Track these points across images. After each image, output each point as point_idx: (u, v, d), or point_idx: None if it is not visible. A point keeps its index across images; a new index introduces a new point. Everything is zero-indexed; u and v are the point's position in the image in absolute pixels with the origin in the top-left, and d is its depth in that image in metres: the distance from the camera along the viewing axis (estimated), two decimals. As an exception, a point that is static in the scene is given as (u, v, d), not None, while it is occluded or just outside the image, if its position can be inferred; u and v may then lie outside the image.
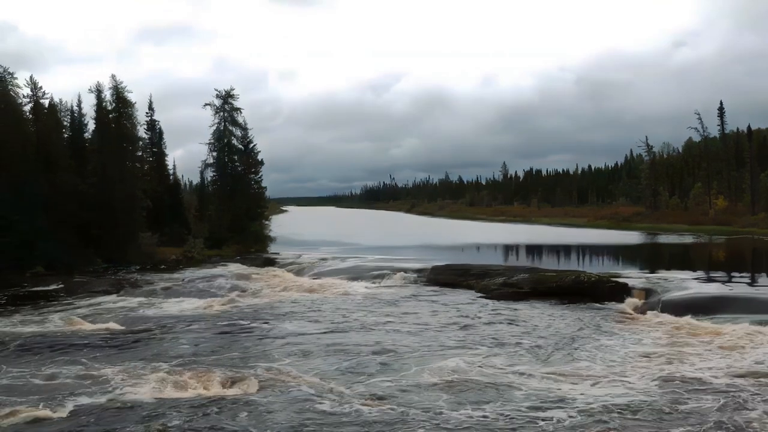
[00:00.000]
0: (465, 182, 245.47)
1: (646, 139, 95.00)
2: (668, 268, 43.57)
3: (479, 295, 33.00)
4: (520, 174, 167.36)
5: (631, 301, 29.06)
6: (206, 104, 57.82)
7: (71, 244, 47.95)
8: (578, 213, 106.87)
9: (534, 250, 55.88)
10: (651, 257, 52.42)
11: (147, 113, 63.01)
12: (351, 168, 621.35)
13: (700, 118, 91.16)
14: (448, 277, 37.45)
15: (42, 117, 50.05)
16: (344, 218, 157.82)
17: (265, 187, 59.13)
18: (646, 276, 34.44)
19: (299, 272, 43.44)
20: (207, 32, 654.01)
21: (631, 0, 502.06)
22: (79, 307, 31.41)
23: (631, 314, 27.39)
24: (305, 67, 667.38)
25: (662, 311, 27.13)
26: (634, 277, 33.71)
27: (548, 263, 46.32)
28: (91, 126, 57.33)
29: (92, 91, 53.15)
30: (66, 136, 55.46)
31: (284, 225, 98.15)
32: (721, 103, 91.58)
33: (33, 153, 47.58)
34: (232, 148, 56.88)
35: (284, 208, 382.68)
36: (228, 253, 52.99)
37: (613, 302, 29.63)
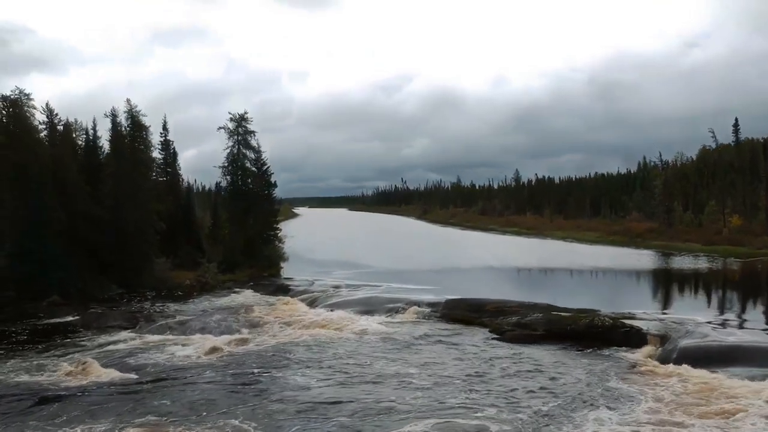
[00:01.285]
0: (477, 186, 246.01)
1: (660, 155, 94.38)
2: (683, 300, 43.46)
3: (493, 336, 32.91)
4: (532, 174, 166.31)
5: (646, 351, 28.84)
6: (220, 128, 58.17)
7: (86, 270, 48.36)
8: (591, 226, 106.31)
9: (547, 276, 55.63)
10: (665, 286, 52.03)
11: (161, 133, 63.45)
12: (362, 168, 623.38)
13: (713, 135, 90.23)
14: (462, 313, 37.42)
15: (57, 142, 50.31)
16: (356, 226, 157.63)
17: (279, 203, 59.00)
18: (661, 317, 34.15)
19: (312, 302, 43.45)
20: (219, 34, 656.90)
21: (641, 1, 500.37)
22: (92, 348, 31.63)
23: (645, 365, 27.19)
24: (316, 67, 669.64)
25: (678, 362, 26.93)
26: (649, 318, 33.44)
27: (562, 293, 46.06)
28: (105, 143, 58.15)
29: (107, 116, 53.52)
30: (81, 157, 55.90)
31: (297, 235, 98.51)
32: (737, 119, 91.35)
33: (49, 178, 47.88)
34: (246, 171, 57.04)
35: (296, 210, 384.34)
36: (241, 277, 53.17)
37: (628, 348, 29.48)
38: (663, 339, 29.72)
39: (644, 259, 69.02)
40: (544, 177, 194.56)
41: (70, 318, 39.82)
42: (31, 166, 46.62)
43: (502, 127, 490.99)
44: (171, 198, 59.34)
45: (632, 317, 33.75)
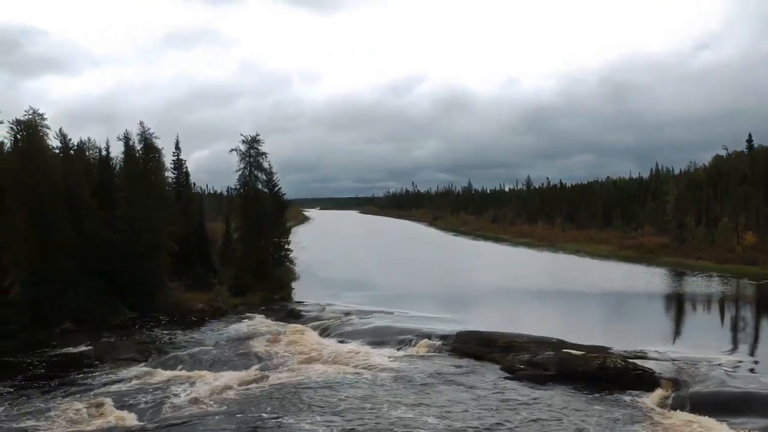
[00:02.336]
0: (488, 191, 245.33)
1: (672, 169, 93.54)
2: (697, 333, 43.18)
3: (504, 375, 32.87)
4: (543, 176, 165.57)
5: (658, 396, 28.73)
6: (232, 150, 58.31)
7: (99, 294, 48.62)
8: (603, 238, 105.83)
9: (559, 301, 55.39)
10: (677, 314, 51.77)
11: (174, 153, 63.82)
12: (373, 169, 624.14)
13: (726, 149, 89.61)
14: (473, 347, 37.41)
15: (71, 167, 50.61)
16: (367, 234, 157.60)
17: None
18: (674, 355, 33.85)
19: (324, 331, 43.57)
20: (231, 36, 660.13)
21: (652, 3, 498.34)
22: (105, 385, 31.86)
23: (657, 412, 27.10)
24: (327, 69, 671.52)
25: (690, 410, 26.85)
26: (661, 358, 33.19)
27: (573, 322, 45.96)
28: (119, 158, 58.41)
29: (120, 139, 53.82)
30: (94, 176, 56.21)
31: (307, 245, 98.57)
32: (750, 135, 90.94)
33: (62, 202, 48.20)
34: (258, 193, 57.18)
35: (307, 212, 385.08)
36: (253, 300, 53.31)
37: (640, 392, 29.38)
38: (675, 383, 29.59)
39: (656, 279, 68.53)
40: (555, 183, 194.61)
41: (83, 347, 40.05)
42: (45, 190, 47.01)
43: (512, 129, 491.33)
44: (184, 218, 59.48)
45: (644, 356, 33.60)
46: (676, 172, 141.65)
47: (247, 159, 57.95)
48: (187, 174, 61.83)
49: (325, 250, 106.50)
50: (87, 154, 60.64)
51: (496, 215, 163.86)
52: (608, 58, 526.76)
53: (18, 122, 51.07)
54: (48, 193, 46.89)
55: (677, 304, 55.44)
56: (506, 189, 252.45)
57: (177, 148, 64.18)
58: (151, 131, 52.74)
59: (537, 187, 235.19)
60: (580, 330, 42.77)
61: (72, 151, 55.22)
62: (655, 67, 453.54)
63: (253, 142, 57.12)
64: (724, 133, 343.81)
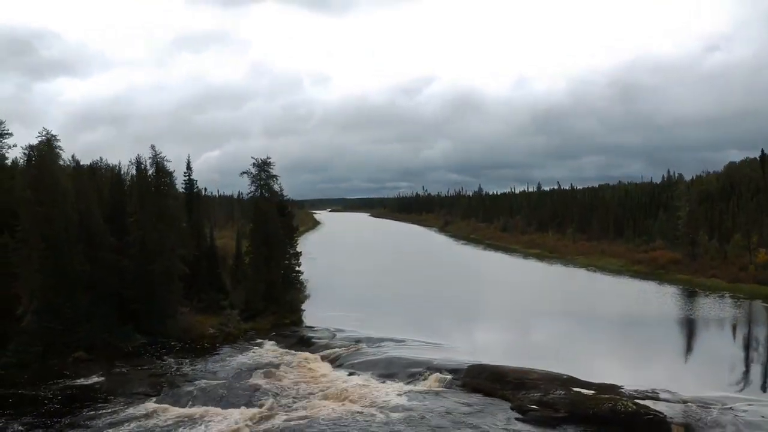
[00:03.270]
0: (499, 193, 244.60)
1: (683, 176, 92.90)
2: (708, 366, 42.89)
3: (515, 416, 32.80)
4: (554, 176, 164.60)
5: (669, 444, 28.63)
6: (243, 173, 58.52)
7: (111, 321, 48.94)
8: (614, 251, 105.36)
9: (570, 327, 55.10)
10: (688, 344, 51.52)
11: (185, 173, 64.10)
12: (383, 169, 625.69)
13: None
14: (484, 382, 37.36)
15: (84, 193, 50.89)
16: (377, 242, 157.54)
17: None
18: (686, 397, 33.60)
19: (334, 360, 43.65)
20: (243, 39, 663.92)
21: (662, 5, 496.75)
22: (113, 425, 31.99)
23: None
24: (338, 71, 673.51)
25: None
26: (673, 400, 33.02)
27: (584, 353, 45.80)
28: (131, 172, 58.60)
29: (132, 164, 54.16)
30: (106, 198, 56.52)
31: (317, 256, 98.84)
32: (763, 151, 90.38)
33: (75, 230, 48.50)
34: (267, 214, 57.22)
35: (317, 215, 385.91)
36: (263, 325, 53.45)
37: (651, 438, 29.30)
38: (687, 428, 29.49)
39: (668, 300, 68.02)
40: (566, 187, 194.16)
41: (95, 378, 40.36)
42: (58, 219, 47.33)
43: (522, 129, 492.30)
44: (194, 240, 59.66)
45: (656, 397, 33.48)
46: (688, 176, 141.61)
47: (258, 182, 58.08)
48: (198, 195, 61.69)
49: (335, 262, 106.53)
50: (101, 171, 61.34)
51: (507, 224, 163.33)
52: (618, 60, 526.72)
53: (31, 147, 51.73)
54: (61, 222, 47.24)
55: (688, 330, 55.05)
56: (517, 191, 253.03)
57: (188, 168, 64.48)
58: (162, 155, 52.95)
59: (548, 189, 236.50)
60: (593, 361, 42.77)
61: (84, 174, 55.60)
62: (665, 68, 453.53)
63: (263, 166, 57.23)
64: (735, 134, 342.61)
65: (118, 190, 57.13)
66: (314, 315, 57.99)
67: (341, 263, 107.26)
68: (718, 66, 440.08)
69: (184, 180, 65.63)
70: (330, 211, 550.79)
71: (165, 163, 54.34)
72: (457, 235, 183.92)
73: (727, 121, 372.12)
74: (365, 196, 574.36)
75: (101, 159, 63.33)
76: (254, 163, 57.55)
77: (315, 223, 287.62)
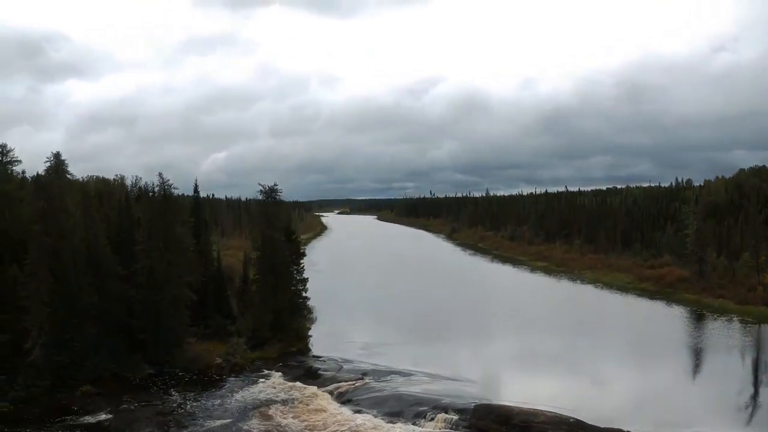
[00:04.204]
0: (506, 195, 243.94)
1: (692, 182, 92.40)
2: (719, 403, 42.69)
3: (520, 463, 32.80)
4: (561, 175, 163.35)
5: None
6: (249, 200, 58.63)
7: (119, 351, 49.21)
8: (622, 266, 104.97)
9: (579, 354, 54.99)
10: (697, 375, 51.33)
11: (192, 196, 64.28)
12: (390, 170, 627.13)
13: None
14: (490, 425, 37.37)
15: (92, 223, 51.13)
16: (385, 251, 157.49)
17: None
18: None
19: (340, 396, 43.73)
20: (250, 41, 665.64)
21: (668, 5, 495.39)
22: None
23: None
24: (345, 72, 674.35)
25: None
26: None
27: (596, 389, 45.61)
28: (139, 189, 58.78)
29: (140, 188, 54.34)
30: (114, 222, 56.78)
31: (324, 268, 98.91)
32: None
33: (83, 262, 48.76)
34: (274, 243, 57.31)
35: (324, 218, 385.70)
36: (270, 354, 53.54)
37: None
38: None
39: (676, 324, 67.77)
40: (574, 190, 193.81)
41: (102, 416, 40.62)
42: (66, 251, 47.60)
43: (529, 130, 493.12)
44: (202, 265, 59.84)
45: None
46: (696, 179, 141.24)
47: (265, 206, 58.22)
48: (206, 222, 61.90)
49: (343, 275, 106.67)
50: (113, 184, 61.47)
51: (514, 233, 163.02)
52: (624, 60, 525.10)
53: (39, 176, 52.14)
54: (69, 254, 47.50)
55: (696, 359, 54.92)
56: (525, 193, 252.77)
57: (196, 191, 64.71)
58: (170, 182, 53.10)
59: (556, 191, 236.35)
60: (602, 399, 42.75)
61: (91, 200, 55.80)
62: (672, 68, 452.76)
63: (271, 192, 57.35)
64: (742, 134, 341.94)
65: (125, 217, 57.31)
66: (320, 342, 57.99)
67: (349, 276, 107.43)
68: (725, 66, 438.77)
69: (192, 202, 66.03)
70: (337, 213, 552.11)
71: (173, 190, 54.71)
72: (464, 244, 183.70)
73: (734, 122, 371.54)
74: (372, 197, 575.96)
75: (117, 176, 63.49)
76: (261, 190, 57.66)
77: (322, 228, 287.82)
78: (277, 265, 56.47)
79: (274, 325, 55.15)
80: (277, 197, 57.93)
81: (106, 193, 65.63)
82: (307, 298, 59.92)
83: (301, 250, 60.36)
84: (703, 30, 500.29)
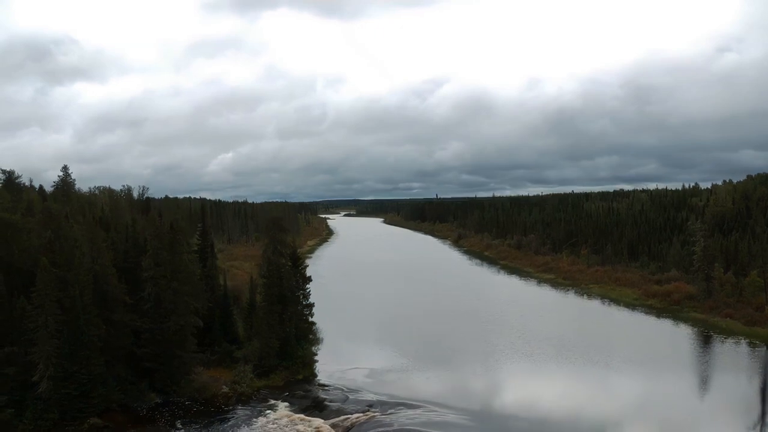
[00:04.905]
0: (513, 196, 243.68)
1: (705, 194, 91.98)
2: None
3: None
4: (567, 176, 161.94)
5: None
6: (256, 234, 58.80)
7: (125, 381, 49.46)
8: (628, 279, 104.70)
9: (589, 385, 54.90)
10: (703, 398, 51.26)
11: (198, 225, 64.49)
12: (396, 170, 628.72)
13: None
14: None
15: (99, 253, 51.37)
16: (392, 262, 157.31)
17: (312, 306, 59.55)
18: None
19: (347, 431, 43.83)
20: (257, 44, 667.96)
21: (673, 6, 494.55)
22: None
23: None
24: (352, 74, 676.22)
25: None
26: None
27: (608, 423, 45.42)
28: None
29: (147, 222, 54.55)
30: (120, 250, 57.02)
31: (328, 281, 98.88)
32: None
33: (90, 294, 48.94)
34: (281, 270, 57.44)
35: (330, 220, 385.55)
36: (276, 381, 53.77)
37: None
38: None
39: (684, 345, 67.63)
40: (580, 192, 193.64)
41: (110, 452, 40.77)
42: (73, 283, 47.80)
43: (535, 130, 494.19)
44: (208, 291, 60.03)
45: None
46: (703, 181, 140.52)
47: (271, 233, 58.42)
48: (212, 246, 62.15)
49: (349, 288, 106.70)
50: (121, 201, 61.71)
51: (521, 242, 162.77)
52: (630, 61, 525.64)
53: (46, 212, 52.46)
54: (77, 286, 47.69)
55: (703, 388, 54.70)
56: (531, 194, 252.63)
57: (203, 217, 64.86)
58: (176, 218, 53.25)
59: (563, 193, 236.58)
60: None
61: (98, 227, 56.10)
62: (677, 69, 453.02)
63: (278, 221, 57.58)
64: (748, 134, 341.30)
65: (132, 243, 57.55)
66: (326, 368, 58.09)
67: (355, 290, 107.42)
68: (730, 67, 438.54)
69: (199, 226, 66.29)
70: (344, 215, 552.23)
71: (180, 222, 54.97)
72: (471, 252, 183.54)
73: (740, 122, 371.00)
74: (379, 198, 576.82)
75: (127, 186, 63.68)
76: (267, 219, 57.81)
77: (328, 233, 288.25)
78: (284, 291, 56.59)
79: (281, 353, 55.29)
80: (282, 224, 58.09)
81: (114, 210, 65.81)
82: (313, 323, 60.03)
83: (308, 275, 60.28)
84: (708, 30, 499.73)
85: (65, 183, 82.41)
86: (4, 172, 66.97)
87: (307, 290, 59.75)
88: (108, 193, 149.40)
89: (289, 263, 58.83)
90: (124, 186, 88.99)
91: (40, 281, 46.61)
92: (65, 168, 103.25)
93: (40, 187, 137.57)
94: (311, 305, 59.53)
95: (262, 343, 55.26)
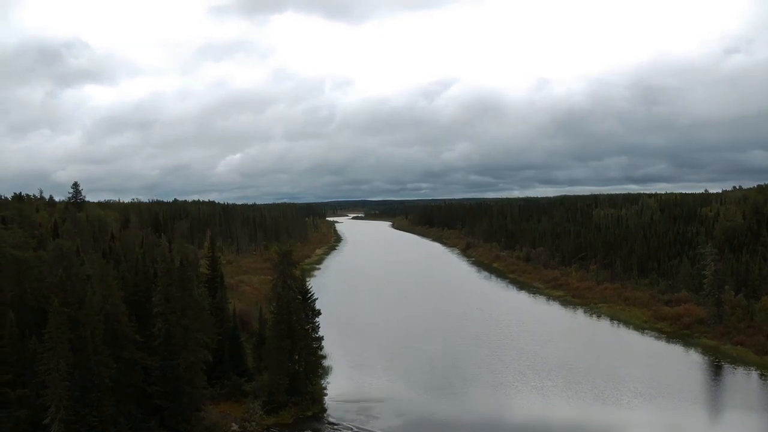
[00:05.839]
0: (522, 197, 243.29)
1: (711, 241, 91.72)
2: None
3: None
4: (577, 175, 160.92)
5: None
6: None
7: (137, 419, 49.61)
8: (638, 298, 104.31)
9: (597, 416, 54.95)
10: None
11: (208, 254, 64.63)
12: (404, 170, 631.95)
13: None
14: None
15: (109, 292, 51.50)
16: (401, 275, 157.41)
17: (322, 338, 59.57)
18: None
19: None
20: (265, 47, 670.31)
21: (682, 7, 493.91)
22: None
23: None
24: (359, 75, 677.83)
25: None
26: None
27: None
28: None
29: (158, 255, 54.70)
30: (129, 285, 57.17)
31: (334, 295, 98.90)
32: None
33: (101, 334, 49.09)
34: (290, 303, 57.50)
35: (339, 224, 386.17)
36: (286, 419, 53.91)
37: None
38: None
39: (694, 377, 67.36)
40: (588, 193, 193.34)
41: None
42: (85, 323, 47.96)
43: (543, 131, 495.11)
44: (218, 322, 60.12)
45: None
46: (712, 179, 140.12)
47: (280, 267, 58.49)
48: (221, 277, 62.29)
49: (355, 306, 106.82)
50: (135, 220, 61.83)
51: (529, 254, 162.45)
52: (638, 61, 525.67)
53: (59, 249, 52.64)
54: (88, 327, 47.85)
55: (712, 423, 54.51)
56: (539, 196, 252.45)
57: (212, 246, 65.05)
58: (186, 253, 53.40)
59: (571, 195, 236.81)
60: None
61: (107, 262, 56.30)
62: (686, 70, 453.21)
63: (286, 255, 57.61)
64: (758, 135, 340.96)
65: (143, 278, 57.69)
66: (335, 404, 58.06)
67: (363, 306, 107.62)
68: (738, 68, 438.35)
69: (209, 256, 66.45)
70: (352, 217, 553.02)
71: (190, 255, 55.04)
72: (479, 262, 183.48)
73: (748, 122, 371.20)
74: (387, 198, 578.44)
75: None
76: (276, 252, 57.90)
77: (336, 239, 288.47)
78: (293, 326, 56.66)
79: (290, 389, 55.36)
80: (291, 257, 58.12)
81: (123, 231, 66.03)
82: (322, 356, 60.08)
83: (317, 309, 60.24)
84: (716, 32, 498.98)
85: (76, 201, 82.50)
86: (18, 198, 67.48)
87: (317, 323, 59.73)
88: (119, 208, 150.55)
89: (299, 296, 58.76)
90: (134, 199, 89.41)
91: (51, 323, 46.75)
92: (76, 185, 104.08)
93: (50, 198, 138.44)
94: (320, 338, 59.53)
95: (272, 379, 55.27)
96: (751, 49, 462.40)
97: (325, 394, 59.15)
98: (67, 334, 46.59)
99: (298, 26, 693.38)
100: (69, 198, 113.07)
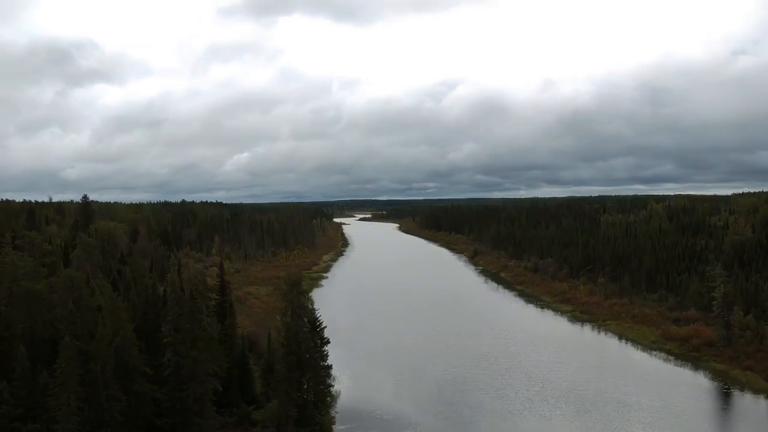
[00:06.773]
0: (529, 198, 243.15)
1: (720, 259, 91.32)
2: None
3: None
4: (584, 176, 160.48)
5: None
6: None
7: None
8: (647, 316, 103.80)
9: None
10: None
11: (217, 279, 64.71)
12: (411, 170, 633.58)
13: None
14: None
15: (120, 326, 51.72)
16: (409, 285, 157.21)
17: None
18: None
19: None
20: (273, 47, 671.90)
21: (688, 8, 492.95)
22: None
23: None
24: (366, 76, 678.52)
25: None
26: None
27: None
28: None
29: (165, 288, 54.85)
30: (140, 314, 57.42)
31: (345, 324, 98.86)
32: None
33: (111, 368, 49.33)
34: (299, 334, 57.49)
35: (346, 226, 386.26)
36: (295, 450, 53.85)
37: None
38: None
39: (703, 404, 66.97)
40: (599, 194, 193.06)
41: None
42: (94, 359, 48.20)
43: (550, 132, 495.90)
44: (227, 350, 60.22)
45: None
46: (719, 179, 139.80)
47: (289, 296, 58.54)
48: (230, 305, 62.44)
49: (363, 321, 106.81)
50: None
51: (537, 265, 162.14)
52: (644, 63, 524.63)
53: (69, 279, 52.82)
54: (99, 361, 48.11)
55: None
56: (546, 197, 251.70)
57: (221, 272, 65.15)
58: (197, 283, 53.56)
59: (578, 197, 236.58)
60: None
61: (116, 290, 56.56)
62: (692, 71, 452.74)
63: (294, 285, 57.65)
64: (765, 136, 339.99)
65: (152, 307, 57.91)
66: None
67: (371, 320, 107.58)
68: (745, 69, 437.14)
69: (217, 282, 66.58)
70: (359, 219, 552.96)
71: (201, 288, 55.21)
72: (486, 271, 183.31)
73: (756, 123, 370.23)
74: (394, 198, 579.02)
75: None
76: (285, 281, 57.97)
77: (344, 244, 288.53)
78: (301, 356, 56.69)
79: (299, 420, 55.33)
80: (301, 288, 58.15)
81: (133, 246, 66.24)
82: (331, 385, 60.12)
83: (326, 337, 60.17)
84: (722, 33, 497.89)
85: (86, 214, 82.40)
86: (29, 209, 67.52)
87: (325, 352, 59.75)
88: (127, 217, 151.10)
89: (308, 326, 58.76)
90: (143, 201, 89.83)
91: (62, 357, 47.05)
92: (85, 197, 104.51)
93: (59, 206, 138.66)
94: (329, 367, 59.56)
95: (281, 411, 55.28)
96: (757, 50, 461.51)
97: (333, 423, 59.11)
98: (77, 369, 46.92)
99: (305, 27, 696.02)
100: (79, 207, 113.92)
